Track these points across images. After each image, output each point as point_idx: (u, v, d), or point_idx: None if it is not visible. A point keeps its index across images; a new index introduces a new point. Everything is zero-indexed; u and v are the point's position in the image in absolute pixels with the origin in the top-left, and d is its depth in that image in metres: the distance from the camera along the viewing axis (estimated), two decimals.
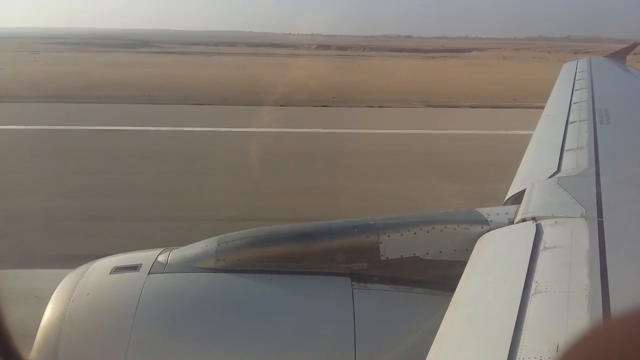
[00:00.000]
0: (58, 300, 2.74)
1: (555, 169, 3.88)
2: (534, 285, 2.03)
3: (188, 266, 2.89)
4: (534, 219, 2.74)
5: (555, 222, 2.63)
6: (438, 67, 63.94)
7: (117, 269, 2.89)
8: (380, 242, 2.88)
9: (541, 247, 2.36)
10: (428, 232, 2.91)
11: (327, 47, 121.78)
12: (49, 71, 43.93)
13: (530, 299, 1.94)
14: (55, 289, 2.81)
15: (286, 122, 23.08)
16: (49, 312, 2.68)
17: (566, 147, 4.51)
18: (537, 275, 2.10)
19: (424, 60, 78.47)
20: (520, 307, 1.90)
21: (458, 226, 2.94)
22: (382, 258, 2.86)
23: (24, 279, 8.02)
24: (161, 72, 45.44)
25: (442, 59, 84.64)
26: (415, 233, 2.91)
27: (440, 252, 2.87)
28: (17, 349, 1.37)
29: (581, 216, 2.67)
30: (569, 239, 2.41)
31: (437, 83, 40.10)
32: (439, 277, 2.80)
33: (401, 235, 2.91)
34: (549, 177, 3.69)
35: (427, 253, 2.86)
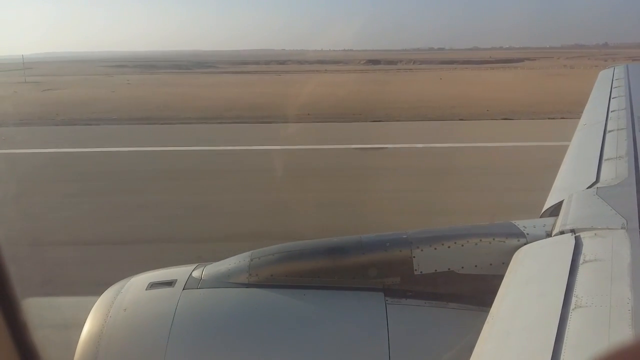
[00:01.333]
0: (96, 315, 2.79)
1: (594, 179, 3.74)
2: (574, 299, 1.96)
3: (222, 281, 2.92)
4: (572, 231, 2.66)
5: (595, 234, 2.54)
6: (518, 77, 63.07)
7: (153, 285, 2.94)
8: (414, 257, 2.83)
9: (581, 260, 2.27)
10: (462, 245, 2.85)
11: (375, 62, 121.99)
12: (160, 93, 44.44)
13: (570, 313, 1.87)
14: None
15: (484, 135, 22.72)
16: (88, 327, 2.73)
17: (604, 156, 4.33)
18: (577, 290, 2.03)
19: (496, 71, 77.55)
20: (560, 322, 1.83)
21: (494, 239, 2.86)
22: (415, 273, 2.81)
23: None
24: (272, 91, 45.58)
25: (510, 69, 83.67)
26: (449, 247, 2.85)
27: (476, 266, 2.80)
28: None
29: (622, 227, 2.57)
30: (609, 252, 2.31)
31: (544, 94, 39.25)
32: (474, 291, 2.73)
33: (435, 249, 2.85)
34: (587, 188, 3.57)
35: (462, 267, 2.80)
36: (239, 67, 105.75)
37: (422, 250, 2.86)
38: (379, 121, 27.79)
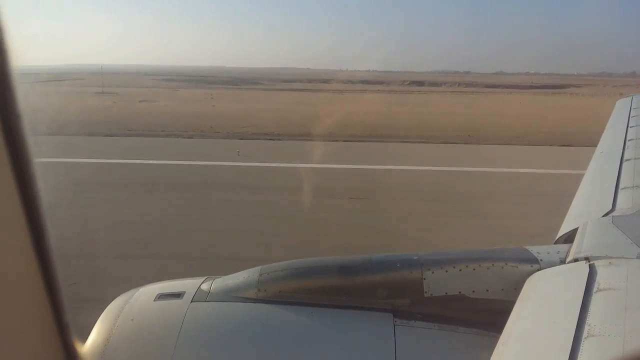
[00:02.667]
0: (103, 324, 2.77)
1: (610, 208, 3.73)
2: (586, 328, 1.92)
3: (230, 295, 2.90)
4: (587, 259, 2.62)
5: (610, 262, 2.49)
6: (593, 103, 63.17)
7: (162, 296, 2.94)
8: (424, 278, 2.81)
9: (594, 289, 2.24)
10: (474, 269, 2.82)
11: (419, 83, 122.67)
12: (266, 110, 44.62)
13: (582, 342, 1.84)
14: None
15: None
16: (94, 336, 2.70)
17: (621, 185, 4.32)
18: (590, 318, 1.99)
19: (562, 97, 77.62)
20: (571, 351, 1.80)
21: (506, 264, 2.83)
22: (425, 295, 2.78)
23: None
24: (395, 110, 45.54)
25: (572, 95, 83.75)
26: (460, 270, 2.81)
27: (487, 290, 2.77)
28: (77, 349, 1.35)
29: (637, 257, 2.53)
30: (624, 281, 2.27)
31: None
32: (485, 316, 2.69)
33: (446, 271, 2.82)
34: (602, 216, 3.56)
35: (473, 291, 2.77)
36: (296, 84, 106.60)
37: (432, 272, 2.82)
38: (554, 145, 27.76)
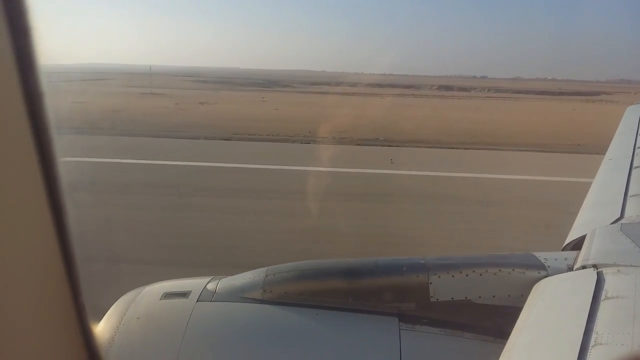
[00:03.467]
0: (109, 322, 2.77)
1: (618, 215, 3.71)
2: (593, 336, 1.90)
3: (236, 295, 2.90)
4: (594, 266, 2.60)
5: (618, 270, 2.46)
6: None
7: (167, 295, 2.94)
8: (430, 283, 2.79)
9: (602, 297, 2.22)
10: (481, 274, 2.80)
11: (448, 87, 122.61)
12: (337, 115, 44.13)
13: (589, 350, 1.82)
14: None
15: None
16: (99, 333, 2.68)
17: (630, 192, 4.29)
18: (598, 326, 1.96)
19: (598, 105, 76.96)
20: (578, 358, 1.77)
21: (513, 270, 2.82)
22: (431, 299, 2.77)
23: None
24: (465, 116, 45.29)
25: (603, 103, 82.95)
26: (467, 275, 2.80)
27: (494, 296, 2.76)
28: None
29: None
30: (632, 289, 2.24)
31: None
32: (491, 322, 2.68)
33: (452, 276, 2.80)
34: (611, 223, 3.55)
35: (480, 297, 2.76)
36: (327, 87, 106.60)
37: (439, 277, 2.80)
38: None
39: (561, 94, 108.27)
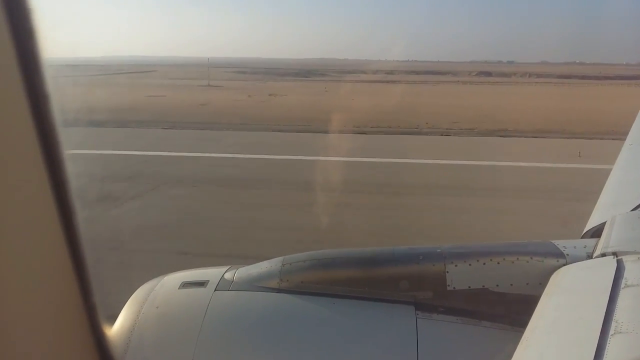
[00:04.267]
0: (129, 310, 2.83)
1: (639, 202, 3.64)
2: (613, 325, 1.87)
3: (253, 285, 2.93)
4: (614, 254, 2.56)
5: (639, 258, 2.41)
6: None
7: (186, 284, 2.97)
8: (447, 272, 2.78)
9: (622, 285, 2.17)
10: (499, 263, 2.78)
11: (487, 74, 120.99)
12: (421, 104, 43.75)
13: (609, 339, 1.79)
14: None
15: None
16: (120, 322, 2.77)
17: None
18: (618, 315, 1.93)
19: None
20: (597, 348, 1.75)
21: (531, 258, 2.78)
22: (448, 288, 2.75)
23: None
24: (583, 105, 43.71)
25: None
26: (484, 264, 2.78)
27: (512, 285, 2.73)
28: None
29: None
30: None
31: None
32: (509, 311, 2.67)
33: (469, 265, 2.79)
34: (631, 210, 3.51)
35: (497, 285, 2.73)
36: (366, 76, 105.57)
37: (456, 265, 2.79)
38: None
39: (607, 78, 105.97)
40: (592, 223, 3.74)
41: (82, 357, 1.31)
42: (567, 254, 2.81)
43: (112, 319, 2.75)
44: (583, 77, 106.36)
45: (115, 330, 2.75)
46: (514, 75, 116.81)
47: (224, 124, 30.76)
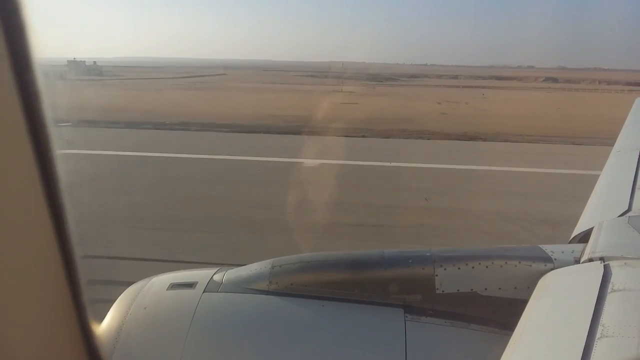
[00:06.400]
0: (117, 311, 2.88)
1: (626, 208, 3.74)
2: (599, 329, 1.91)
3: (242, 287, 2.97)
4: (601, 259, 2.62)
5: (625, 263, 2.48)
6: None
7: (174, 285, 3.01)
8: (436, 275, 2.84)
9: (609, 289, 2.22)
10: (487, 267, 2.84)
11: (553, 79, 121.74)
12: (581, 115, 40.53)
13: (595, 343, 1.83)
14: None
15: None
16: (108, 322, 2.81)
17: (638, 185, 4.33)
18: (604, 319, 1.97)
19: None
20: (584, 351, 1.80)
21: (519, 262, 2.85)
22: (437, 291, 2.81)
23: None
24: None
25: None
26: (473, 267, 2.84)
27: (500, 288, 2.78)
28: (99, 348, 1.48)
29: None
30: (639, 282, 2.26)
31: None
32: (497, 314, 2.72)
33: (458, 268, 2.85)
34: (618, 216, 3.58)
35: (486, 289, 2.79)
36: (433, 80, 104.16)
37: (445, 269, 2.84)
38: None
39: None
40: (579, 228, 3.77)
41: (71, 355, 1.32)
42: (555, 259, 2.85)
43: (100, 318, 2.73)
44: (632, 84, 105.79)
45: (102, 330, 2.73)
46: (583, 81, 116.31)
47: (534, 136, 29.00)
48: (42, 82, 1.04)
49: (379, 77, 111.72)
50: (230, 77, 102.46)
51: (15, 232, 1.08)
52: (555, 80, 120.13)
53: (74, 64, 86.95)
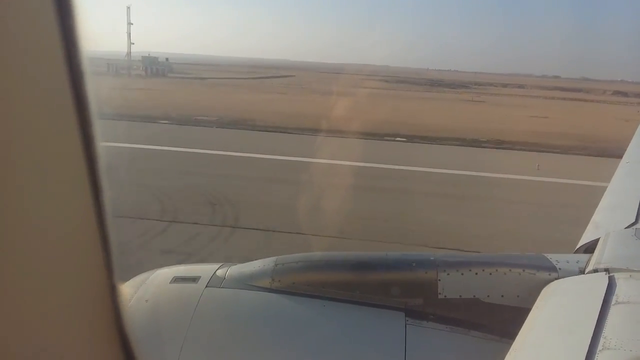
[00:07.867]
0: None
1: (633, 220, 3.70)
2: (602, 340, 1.88)
3: (244, 283, 2.96)
4: (606, 270, 2.61)
5: (630, 275, 2.46)
6: None
7: (177, 279, 3.01)
8: (439, 280, 2.82)
9: (613, 301, 2.21)
10: (491, 274, 2.82)
11: (623, 93, 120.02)
12: None
13: (596, 355, 1.80)
14: None
15: None
16: None
17: None
18: (607, 331, 1.95)
19: None
20: None
21: (523, 271, 2.83)
22: (439, 296, 2.79)
23: None
24: None
25: None
26: (476, 274, 2.82)
27: (502, 296, 2.77)
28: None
29: None
30: None
31: None
32: (498, 322, 2.68)
33: (462, 274, 2.83)
34: (625, 228, 3.54)
35: (488, 296, 2.77)
36: (510, 90, 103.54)
37: (448, 274, 2.82)
38: None
39: None
40: (585, 239, 3.70)
41: (105, 349, 1.25)
42: (560, 268, 2.80)
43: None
44: None
45: None
46: (616, 94, 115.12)
47: None
48: (90, 75, 1.01)
49: (446, 84, 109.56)
50: (301, 79, 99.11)
51: (60, 225, 1.05)
52: None
53: (149, 60, 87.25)
